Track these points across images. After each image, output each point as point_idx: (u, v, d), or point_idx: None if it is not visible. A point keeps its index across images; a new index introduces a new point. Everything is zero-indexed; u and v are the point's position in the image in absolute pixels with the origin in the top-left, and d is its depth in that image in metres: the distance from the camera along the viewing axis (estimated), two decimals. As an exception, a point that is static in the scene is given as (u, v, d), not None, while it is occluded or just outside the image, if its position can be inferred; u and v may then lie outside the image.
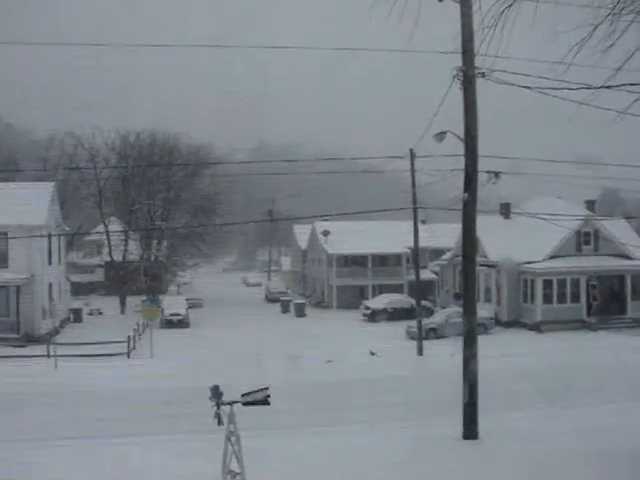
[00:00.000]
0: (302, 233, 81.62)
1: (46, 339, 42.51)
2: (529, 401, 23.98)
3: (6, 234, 44.50)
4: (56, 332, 46.91)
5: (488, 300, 50.45)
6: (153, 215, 71.19)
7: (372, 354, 38.78)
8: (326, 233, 67.60)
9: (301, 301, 64.79)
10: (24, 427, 21.90)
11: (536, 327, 47.27)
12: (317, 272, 74.14)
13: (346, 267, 68.03)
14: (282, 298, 69.18)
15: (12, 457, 16.54)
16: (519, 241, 48.67)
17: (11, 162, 71.60)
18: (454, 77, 17.11)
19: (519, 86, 15.72)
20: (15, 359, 37.79)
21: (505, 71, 15.67)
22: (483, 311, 41.93)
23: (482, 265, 46.11)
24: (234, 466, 11.34)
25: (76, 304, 60.91)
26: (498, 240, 49.32)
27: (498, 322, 48.31)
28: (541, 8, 11.50)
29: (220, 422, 11.33)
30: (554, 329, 46.09)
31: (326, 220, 66.83)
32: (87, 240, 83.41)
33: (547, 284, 48.10)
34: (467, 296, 18.23)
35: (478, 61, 16.48)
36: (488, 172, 19.32)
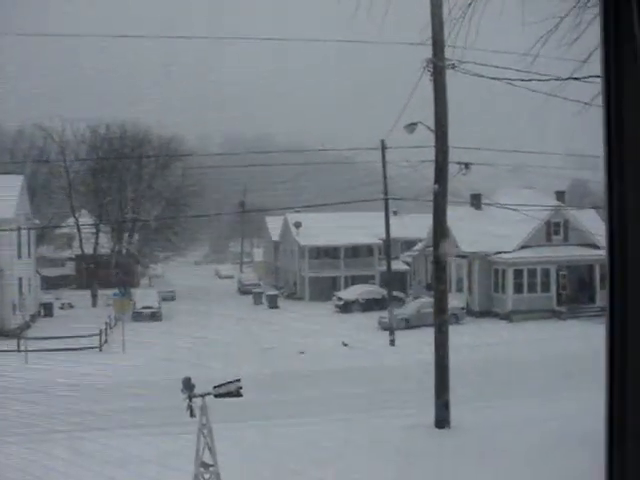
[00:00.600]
0: (274, 225, 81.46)
1: (16, 333, 42.14)
2: (500, 391, 24.18)
3: (-26, 228, 44.04)
4: (27, 326, 46.49)
5: (460, 290, 50.74)
6: (124, 208, 70.71)
7: (345, 345, 38.89)
8: (298, 225, 67.58)
9: (273, 293, 64.73)
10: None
11: (507, 317, 47.64)
12: (289, 264, 74.11)
13: (318, 259, 68.05)
14: (254, 290, 69.04)
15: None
16: (490, 231, 48.98)
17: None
18: (424, 68, 17.20)
19: (488, 77, 15.83)
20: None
21: (474, 62, 15.79)
22: (455, 301, 42.19)
23: (454, 256, 46.39)
24: (207, 458, 11.37)
25: (47, 298, 60.34)
26: (469, 231, 49.61)
27: (470, 312, 48.63)
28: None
29: (192, 414, 11.35)
30: (525, 318, 46.46)
31: (298, 212, 66.78)
32: (58, 233, 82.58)
33: (518, 274, 48.50)
34: (438, 287, 18.37)
35: (448, 53, 16.59)
36: (458, 163, 19.47)
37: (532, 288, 48.62)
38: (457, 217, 41.89)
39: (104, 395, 26.92)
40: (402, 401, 22.43)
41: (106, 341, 40.94)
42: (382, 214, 41.63)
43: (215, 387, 11.65)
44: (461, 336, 31.52)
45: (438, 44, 16.91)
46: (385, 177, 39.81)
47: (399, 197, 45.09)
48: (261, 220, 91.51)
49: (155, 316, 55.06)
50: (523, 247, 49.26)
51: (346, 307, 56.27)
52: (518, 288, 48.49)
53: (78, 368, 33.20)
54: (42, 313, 56.54)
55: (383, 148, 38.92)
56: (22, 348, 37.35)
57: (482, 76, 16.00)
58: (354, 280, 65.06)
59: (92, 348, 38.47)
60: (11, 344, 38.51)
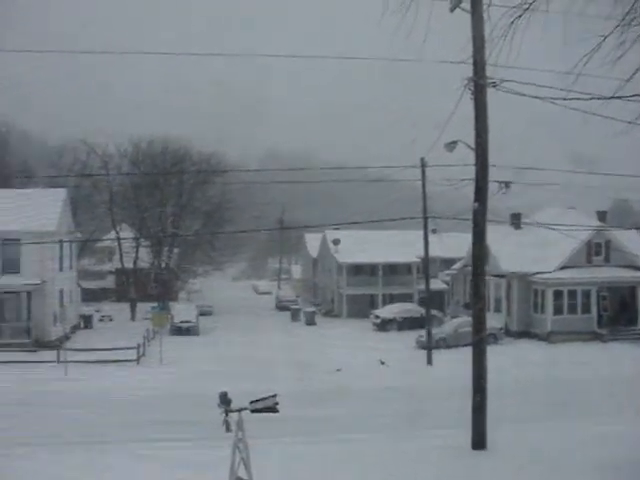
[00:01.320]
0: (313, 241, 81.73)
1: (56, 345, 42.69)
2: (539, 412, 23.88)
3: (18, 240, 44.74)
4: (66, 338, 47.11)
5: (498, 310, 50.35)
6: (164, 222, 71.41)
7: (382, 363, 38.75)
8: (337, 242, 67.67)
9: (311, 309, 64.81)
10: (38, 431, 22.04)
11: (546, 338, 47.12)
12: (327, 281, 74.16)
13: (356, 276, 68.00)
14: (292, 306, 69.22)
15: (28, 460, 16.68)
16: (530, 251, 48.58)
17: (25, 169, 72.04)
18: (465, 87, 17.12)
19: (529, 96, 15.72)
20: (25, 364, 37.92)
21: (515, 81, 15.69)
22: (493, 321, 41.89)
23: (492, 275, 46.04)
24: (242, 473, 11.36)
25: (87, 310, 61.09)
26: (508, 250, 49.26)
27: (508, 332, 48.22)
28: (551, 18, 11.52)
29: (228, 429, 11.35)
30: (564, 340, 45.92)
31: (337, 229, 66.90)
32: (99, 247, 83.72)
33: (557, 295, 47.97)
34: (476, 306, 18.22)
35: (489, 71, 16.51)
36: (498, 182, 19.32)
37: (572, 309, 48.05)
38: (496, 236, 41.64)
39: (139, 407, 27.10)
40: (438, 421, 22.23)
41: (144, 354, 41.27)
42: (421, 232, 41.50)
43: (252, 402, 11.65)
44: (499, 356, 31.17)
45: (479, 62, 16.84)
46: (425, 195, 39.70)
47: (438, 215, 44.92)
48: (300, 237, 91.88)
49: (193, 330, 55.41)
50: (563, 267, 48.75)
51: (383, 325, 56.16)
52: (558, 309, 47.96)
53: (116, 381, 33.51)
54: (82, 325, 57.25)
55: (423, 166, 38.84)
56: (62, 359, 37.79)
57: (523, 95, 15.88)
58: (392, 298, 64.96)
59: (130, 361, 38.80)
60: (51, 355, 39.00)
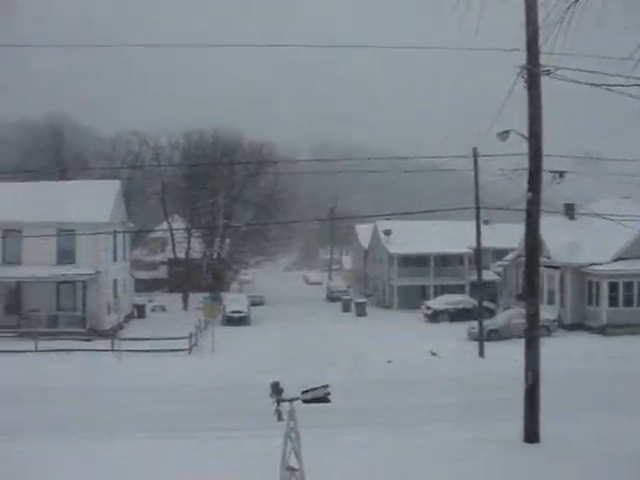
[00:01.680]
0: (364, 232, 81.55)
1: (110, 334, 43.34)
2: (593, 405, 23.51)
3: (73, 231, 45.49)
4: (120, 327, 47.81)
5: (551, 302, 49.65)
6: (216, 213, 71.90)
7: (433, 354, 38.55)
8: (388, 232, 67.41)
9: (362, 300, 64.71)
10: (95, 420, 22.45)
11: (601, 330, 46.32)
12: (378, 271, 73.97)
13: (407, 267, 67.67)
14: (343, 297, 69.20)
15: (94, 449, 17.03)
16: (584, 242, 47.79)
17: (79, 161, 73.17)
18: (518, 75, 16.87)
19: (585, 83, 15.41)
20: (81, 353, 38.57)
21: (570, 68, 15.38)
22: (546, 313, 41.30)
23: (546, 266, 45.39)
24: (293, 463, 11.38)
25: (140, 300, 61.89)
26: (562, 241, 48.53)
27: (561, 324, 47.53)
28: (609, 3, 11.25)
29: (280, 418, 11.39)
30: (620, 333, 45.07)
31: (388, 219, 66.61)
32: (151, 237, 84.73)
33: (613, 287, 47.08)
34: (530, 298, 17.98)
35: (543, 59, 16.23)
36: (552, 172, 18.99)
37: (628, 301, 47.11)
38: (550, 227, 41.00)
39: (192, 396, 27.37)
40: (490, 413, 22.05)
41: (196, 344, 41.65)
42: (473, 223, 41.10)
43: (303, 392, 11.66)
44: (552, 349, 30.79)
45: (532, 50, 16.58)
46: (477, 185, 39.29)
47: (491, 206, 44.41)
48: (351, 227, 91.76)
49: (244, 320, 55.76)
50: (619, 259, 47.79)
51: (435, 316, 55.82)
52: (613, 301, 47.06)
53: (168, 369, 33.91)
54: (135, 315, 58.02)
55: (475, 156, 38.42)
56: (116, 348, 38.37)
57: (579, 82, 15.57)
58: (443, 289, 64.50)
59: (182, 350, 39.18)
60: (105, 344, 39.60)
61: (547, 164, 17.92)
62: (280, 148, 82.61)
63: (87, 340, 42.76)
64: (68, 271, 45.33)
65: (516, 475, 14.53)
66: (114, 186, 50.97)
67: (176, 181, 73.71)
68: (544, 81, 16.62)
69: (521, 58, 16.82)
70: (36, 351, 38.40)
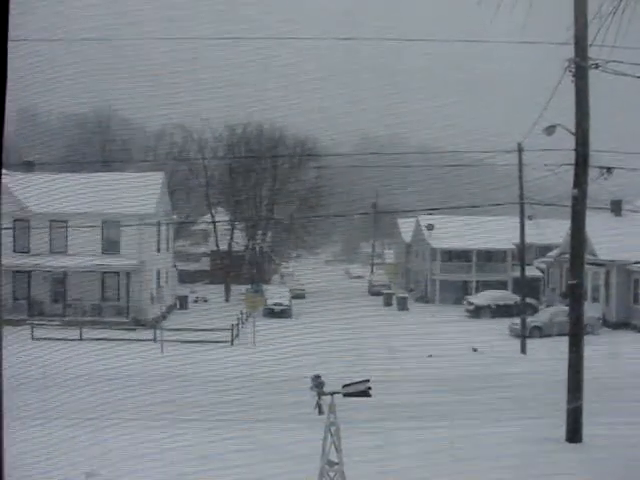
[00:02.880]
0: (406, 226, 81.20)
1: (153, 324, 43.80)
2: (636, 407, 23.14)
3: (118, 222, 46.03)
4: (163, 318, 48.29)
5: (596, 300, 49.00)
6: (259, 206, 72.16)
7: (474, 350, 38.30)
8: (430, 227, 67.06)
9: (404, 295, 64.48)
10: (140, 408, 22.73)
11: (647, 329, 45.62)
12: (420, 266, 73.64)
13: (450, 262, 67.30)
14: (384, 291, 69.01)
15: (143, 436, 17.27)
16: (630, 239, 47.03)
17: (124, 153, 73.86)
18: (565, 69, 16.64)
19: (636, 77, 15.15)
20: (124, 342, 39.00)
21: (621, 62, 15.13)
22: (590, 311, 40.75)
23: (590, 263, 44.85)
24: (333, 456, 11.39)
25: (182, 291, 62.37)
26: (608, 238, 47.81)
27: (606, 323, 46.89)
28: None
29: (321, 412, 11.40)
30: (666, 332, 44.37)
31: (430, 214, 66.21)
32: (194, 229, 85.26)
33: (659, 285, 46.36)
34: (574, 295, 17.76)
35: (592, 52, 15.98)
36: (600, 167, 18.72)
37: (676, 301, 46.35)
38: (596, 223, 40.47)
39: (233, 387, 27.52)
40: (531, 412, 21.83)
41: (237, 335, 41.87)
42: (517, 218, 40.70)
43: (344, 386, 11.67)
44: (596, 347, 30.36)
45: (581, 43, 16.32)
46: (521, 181, 38.89)
47: (535, 201, 43.92)
48: (393, 221, 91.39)
49: (285, 313, 55.90)
50: (666, 257, 46.99)
51: (477, 312, 55.44)
52: (659, 300, 46.35)
53: (210, 360, 34.14)
54: (177, 305, 58.49)
55: (520, 151, 38.03)
56: (158, 338, 38.76)
57: (629, 75, 15.31)
58: (485, 285, 64.03)
59: (224, 342, 39.42)
60: (148, 334, 40.02)
61: (595, 159, 17.68)
62: (323, 141, 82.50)
63: (130, 330, 43.25)
64: (113, 261, 45.89)
65: (558, 475, 14.38)
66: (158, 178, 51.44)
67: (220, 174, 74.08)
68: (592, 75, 16.37)
69: (569, 52, 16.59)
70: (80, 340, 38.95)
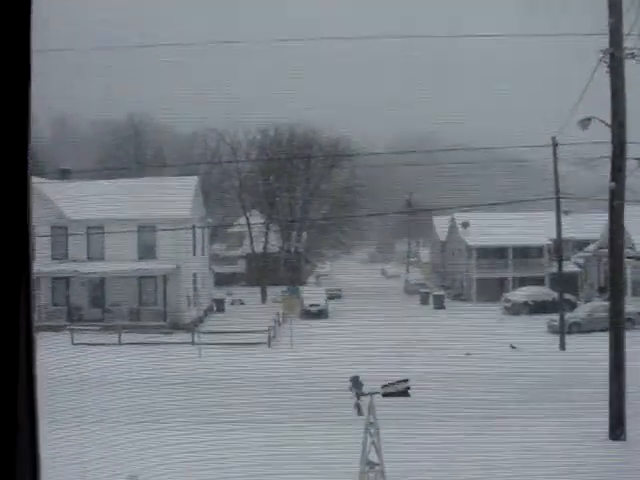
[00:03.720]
0: (441, 224, 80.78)
1: (190, 327, 44.02)
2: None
3: (154, 227, 46.37)
4: (200, 321, 48.53)
5: (636, 295, 48.29)
6: (293, 207, 72.25)
7: (513, 348, 37.97)
8: (465, 225, 66.63)
9: (440, 293, 64.17)
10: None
11: (690, 324, 44.83)
12: (456, 264, 73.21)
13: (486, 259, 66.82)
14: (421, 290, 68.73)
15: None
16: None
17: (158, 158, 74.43)
18: (600, 60, 16.42)
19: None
20: (162, 346, 39.27)
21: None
22: (631, 306, 40.17)
23: (630, 257, 44.20)
24: (373, 456, 11.34)
25: (219, 294, 62.60)
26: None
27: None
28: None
29: (360, 412, 11.37)
30: None
31: (465, 211, 65.81)
32: (229, 232, 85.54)
33: (701, 278, 45.59)
34: (614, 290, 17.52)
35: (629, 42, 15.75)
36: (637, 159, 18.45)
37: None
38: (634, 216, 39.92)
39: (273, 389, 27.57)
40: (573, 409, 21.53)
41: (274, 337, 41.93)
42: (553, 214, 40.29)
43: (383, 386, 11.62)
44: (638, 343, 29.92)
45: (616, 32, 16.08)
46: (556, 175, 38.49)
47: (571, 196, 43.46)
48: (428, 219, 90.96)
49: (322, 314, 55.86)
50: None
51: (514, 309, 54.95)
52: (702, 293, 45.57)
53: (249, 362, 34.21)
54: (214, 308, 58.72)
55: (554, 145, 37.64)
56: (196, 341, 38.93)
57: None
58: (522, 282, 63.44)
59: (261, 344, 39.52)
60: (186, 337, 40.23)
61: (632, 151, 17.42)
62: (356, 141, 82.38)
63: (168, 333, 43.52)
64: (149, 266, 46.21)
65: (601, 473, 14.17)
66: (192, 182, 51.72)
67: (253, 176, 74.26)
68: (628, 65, 16.14)
69: (603, 44, 16.36)
70: (119, 344, 39.28)
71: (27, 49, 2.61)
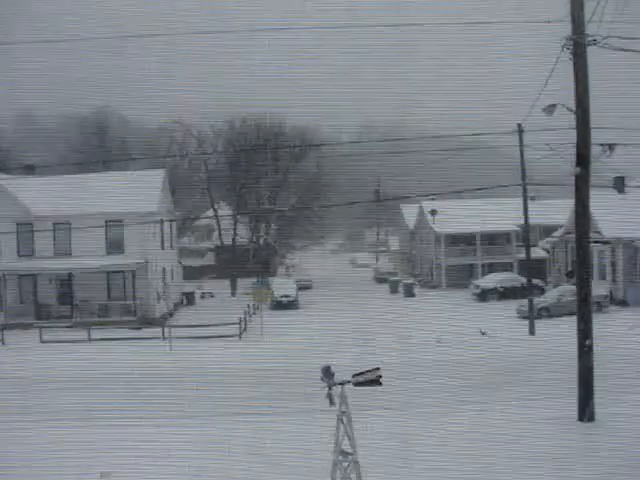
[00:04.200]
0: (409, 213, 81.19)
1: (160, 322, 43.85)
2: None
3: (121, 221, 46.05)
4: (170, 315, 48.33)
5: (602, 278, 48.92)
6: (261, 198, 72.15)
7: (482, 333, 38.26)
8: (434, 212, 67.01)
9: (410, 281, 64.51)
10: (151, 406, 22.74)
11: (655, 305, 45.52)
12: (425, 252, 73.65)
13: (454, 246, 67.30)
14: (391, 278, 69.03)
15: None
16: (635, 216, 46.88)
17: (123, 152, 73.84)
18: (563, 47, 16.53)
19: (635, 51, 15.04)
20: (132, 341, 39.08)
21: (620, 37, 15.02)
22: (597, 289, 40.71)
23: (596, 242, 44.68)
24: (346, 446, 11.36)
25: (188, 287, 62.43)
26: (612, 215, 47.66)
27: (613, 301, 46.81)
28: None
29: (332, 402, 11.36)
30: (675, 307, 44.26)
31: (433, 199, 66.17)
32: (198, 225, 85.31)
33: (666, 260, 46.23)
34: (580, 274, 17.70)
35: (591, 29, 15.87)
36: (602, 145, 18.62)
37: (683, 275, 46.25)
38: (599, 201, 40.33)
39: (244, 381, 27.55)
40: (542, 392, 21.79)
41: (245, 329, 41.88)
42: (520, 200, 40.61)
43: (354, 375, 11.62)
44: (604, 325, 30.28)
45: (578, 19, 16.20)
46: (522, 162, 38.77)
47: (537, 182, 43.81)
48: (396, 208, 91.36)
49: (292, 305, 55.95)
50: (672, 232, 46.84)
51: (483, 295, 55.43)
52: (667, 275, 46.26)
53: (219, 355, 34.14)
54: (184, 302, 58.56)
55: (520, 132, 37.90)
56: (166, 336, 38.78)
57: (629, 50, 15.21)
58: (491, 268, 64.06)
59: (232, 336, 39.45)
60: (156, 332, 40.06)
61: (596, 137, 17.59)
62: (323, 131, 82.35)
63: (138, 328, 43.32)
64: (117, 261, 45.92)
65: (571, 454, 14.34)
66: (159, 176, 51.43)
67: (220, 168, 74.05)
68: (591, 51, 16.27)
69: (565, 30, 16.46)
70: (89, 340, 39.01)
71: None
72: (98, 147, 75.63)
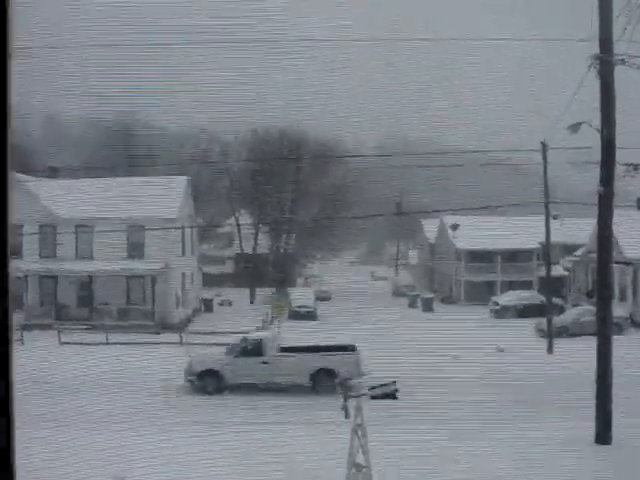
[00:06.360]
0: (430, 227, 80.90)
1: (179, 327, 43.92)
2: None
3: (143, 226, 46.26)
4: (188, 321, 48.42)
5: (623, 299, 48.48)
6: (282, 208, 72.20)
7: (500, 350, 38.01)
8: (455, 227, 66.75)
9: (428, 296, 64.26)
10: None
11: (676, 328, 45.06)
12: (445, 267, 73.36)
13: (475, 262, 67.00)
14: (409, 292, 68.78)
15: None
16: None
17: (147, 157, 74.14)
18: (590, 66, 16.46)
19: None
20: (150, 346, 39.14)
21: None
22: (618, 310, 40.34)
23: (617, 262, 44.37)
24: (360, 459, 11.33)
25: (207, 294, 62.51)
26: (636, 236, 47.27)
27: (634, 323, 46.37)
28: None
29: (347, 415, 11.34)
30: (696, 331, 43.77)
31: (455, 214, 65.94)
32: (219, 232, 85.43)
33: (688, 283, 45.78)
34: (601, 294, 17.56)
35: (620, 48, 15.80)
36: (627, 164, 18.50)
37: None
38: (623, 221, 40.07)
39: (260, 388, 27.53)
40: (559, 413, 21.60)
41: (263, 338, 41.80)
42: (541, 218, 40.39)
43: (371, 388, 11.60)
44: (625, 347, 30.02)
45: (606, 38, 16.13)
46: (546, 179, 38.59)
47: (560, 200, 43.59)
48: (417, 222, 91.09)
49: (310, 315, 55.79)
50: (695, 254, 46.41)
51: (502, 312, 55.04)
52: (689, 298, 45.78)
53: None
54: (202, 308, 58.62)
55: (544, 149, 37.74)
56: (184, 341, 38.83)
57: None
58: (511, 285, 63.63)
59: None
60: (173, 337, 40.11)
61: (621, 156, 17.48)
62: (346, 143, 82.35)
63: (156, 333, 43.40)
64: (138, 265, 46.10)
65: (581, 476, 14.20)
66: (182, 182, 51.63)
67: (243, 177, 74.19)
68: (618, 71, 16.19)
69: (593, 49, 16.40)
70: (107, 344, 39.14)
71: (4, 47, 2.57)
72: (122, 152, 76.03)
